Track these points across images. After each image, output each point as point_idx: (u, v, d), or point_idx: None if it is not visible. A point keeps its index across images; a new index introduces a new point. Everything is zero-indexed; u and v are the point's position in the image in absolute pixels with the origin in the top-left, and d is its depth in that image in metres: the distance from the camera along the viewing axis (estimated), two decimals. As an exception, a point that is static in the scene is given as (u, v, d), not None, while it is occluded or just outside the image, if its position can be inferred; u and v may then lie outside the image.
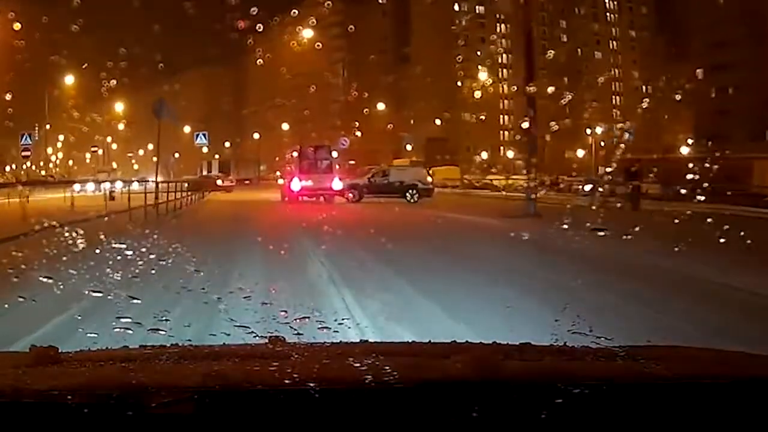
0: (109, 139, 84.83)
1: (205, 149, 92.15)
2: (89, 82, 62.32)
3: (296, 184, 30.17)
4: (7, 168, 77.22)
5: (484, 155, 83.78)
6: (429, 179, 33.34)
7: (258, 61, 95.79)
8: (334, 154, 34.05)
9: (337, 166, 33.32)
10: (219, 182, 43.03)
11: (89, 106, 76.44)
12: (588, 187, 36.63)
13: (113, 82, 59.53)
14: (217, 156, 79.26)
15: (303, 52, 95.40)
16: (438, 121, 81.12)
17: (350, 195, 30.93)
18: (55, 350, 1.40)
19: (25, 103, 65.19)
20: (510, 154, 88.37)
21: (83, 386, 1.17)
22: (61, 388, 1.14)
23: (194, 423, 1.12)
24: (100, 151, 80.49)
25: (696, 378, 1.31)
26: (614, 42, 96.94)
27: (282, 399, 1.16)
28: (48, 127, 71.76)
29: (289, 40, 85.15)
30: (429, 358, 1.41)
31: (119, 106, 72.97)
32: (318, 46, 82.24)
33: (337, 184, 30.68)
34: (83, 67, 59.82)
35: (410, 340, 1.72)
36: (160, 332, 3.49)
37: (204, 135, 39.72)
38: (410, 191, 31.15)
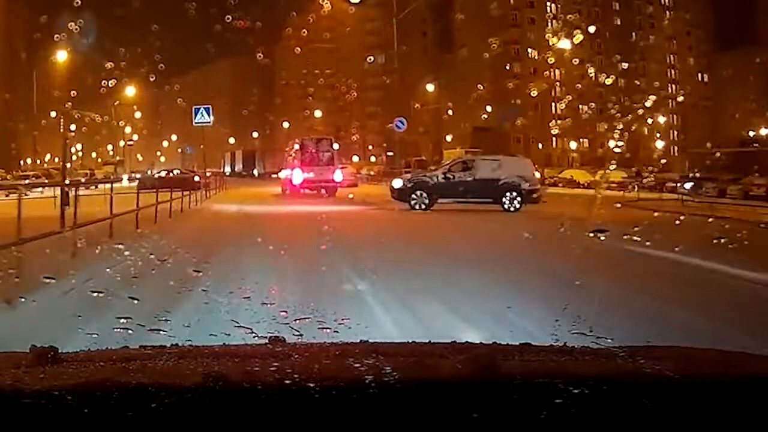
0: (128, 129, 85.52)
1: (232, 139, 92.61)
2: (101, 73, 62.83)
3: (298, 177, 31.03)
4: (29, 161, 78.52)
5: (539, 146, 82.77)
6: (536, 175, 25.11)
7: (291, 49, 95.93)
8: (335, 146, 34.31)
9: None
10: (196, 179, 37.59)
11: (103, 96, 77.27)
12: (689, 185, 34.70)
13: (131, 73, 60.20)
14: (241, 148, 79.69)
15: (337, 38, 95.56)
16: (489, 107, 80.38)
17: (415, 196, 23.27)
18: (55, 350, 1.48)
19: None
20: (573, 144, 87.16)
21: (83, 386, 1.23)
22: (61, 388, 1.21)
23: (194, 423, 1.19)
24: (122, 143, 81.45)
25: (696, 378, 1.36)
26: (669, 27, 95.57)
27: (282, 399, 1.22)
28: (54, 115, 72.64)
29: (321, 26, 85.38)
30: (429, 358, 1.48)
31: (131, 90, 73.12)
32: (351, 30, 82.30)
33: (339, 176, 31.47)
34: (70, 49, 60.37)
35: (410, 340, 1.78)
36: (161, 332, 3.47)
37: (206, 111, 33.72)
38: (509, 194, 22.96)
